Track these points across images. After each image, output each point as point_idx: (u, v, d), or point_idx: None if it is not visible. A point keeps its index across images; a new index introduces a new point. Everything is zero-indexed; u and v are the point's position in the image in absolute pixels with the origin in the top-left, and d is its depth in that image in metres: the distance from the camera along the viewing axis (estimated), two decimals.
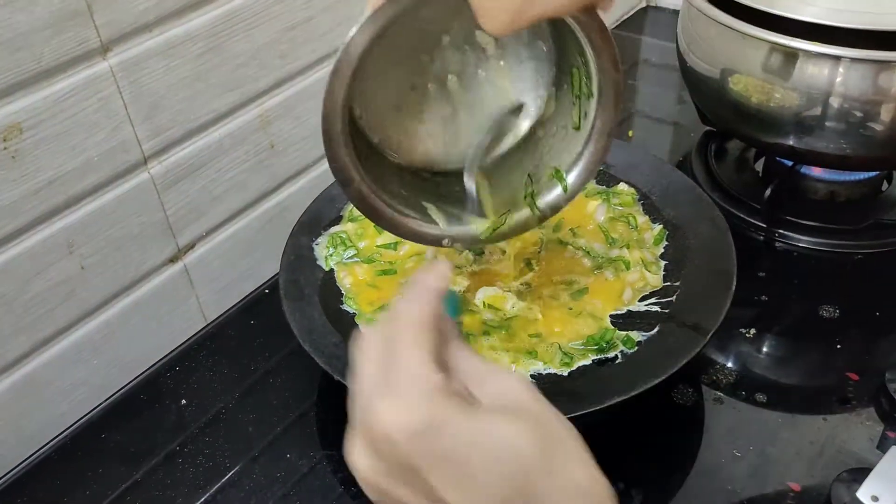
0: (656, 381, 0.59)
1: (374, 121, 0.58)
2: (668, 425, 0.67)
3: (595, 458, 0.58)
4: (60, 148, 0.63)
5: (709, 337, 0.62)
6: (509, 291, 0.70)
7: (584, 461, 0.37)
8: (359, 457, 0.37)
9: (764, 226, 0.84)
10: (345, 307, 0.70)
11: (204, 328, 0.79)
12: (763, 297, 0.77)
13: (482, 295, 0.68)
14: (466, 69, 0.59)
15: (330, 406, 0.70)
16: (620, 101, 0.56)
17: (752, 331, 0.74)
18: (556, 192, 0.62)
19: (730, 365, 0.71)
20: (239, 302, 0.81)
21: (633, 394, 0.58)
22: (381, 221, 0.58)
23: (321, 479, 0.64)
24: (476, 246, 0.68)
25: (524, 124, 0.64)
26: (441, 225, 0.61)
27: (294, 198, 0.84)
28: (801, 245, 0.83)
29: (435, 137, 0.61)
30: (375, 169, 0.58)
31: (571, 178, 0.61)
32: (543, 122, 0.63)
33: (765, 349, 0.73)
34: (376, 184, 0.57)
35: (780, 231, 0.84)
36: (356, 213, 0.80)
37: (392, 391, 0.36)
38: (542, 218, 0.62)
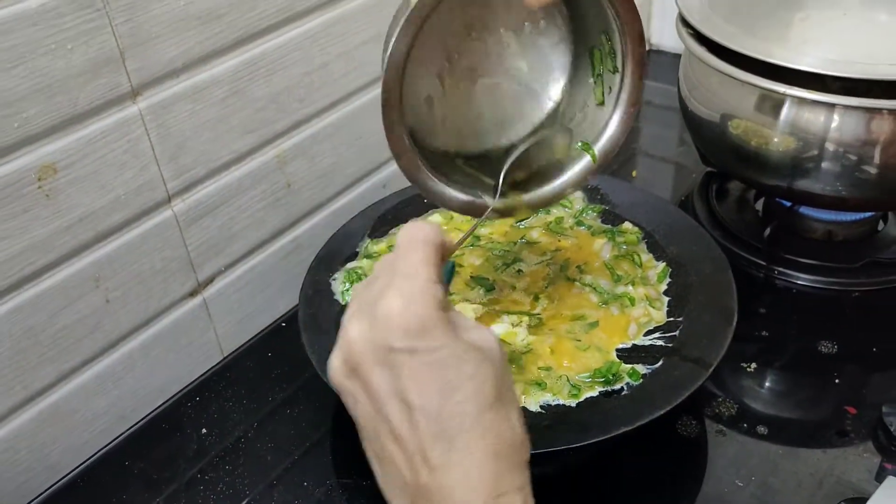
0: (660, 413, 0.61)
1: (407, 106, 0.61)
2: (673, 457, 0.68)
3: (601, 487, 0.61)
4: (91, 187, 0.65)
5: (711, 370, 0.63)
6: (520, 326, 0.71)
7: (518, 415, 0.40)
8: (354, 325, 0.39)
9: (764, 263, 0.85)
10: None
11: (221, 360, 0.81)
12: (763, 333, 0.78)
13: (496, 330, 0.69)
14: (490, 60, 0.64)
15: (344, 436, 0.70)
16: (645, 71, 0.61)
17: (753, 365, 0.75)
18: (585, 161, 0.66)
19: (732, 398, 0.72)
20: (256, 335, 0.83)
21: (637, 424, 0.60)
22: (428, 193, 0.62)
23: (332, 503, 0.65)
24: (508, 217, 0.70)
25: (547, 106, 0.67)
26: (485, 199, 0.64)
27: (309, 234, 0.85)
28: (800, 283, 0.84)
29: (460, 128, 0.66)
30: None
31: (600, 146, 0.65)
32: (561, 109, 0.67)
33: (766, 383, 0.75)
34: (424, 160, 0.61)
35: (780, 269, 0.85)
36: (371, 249, 0.82)
37: (399, 289, 0.38)
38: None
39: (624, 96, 0.63)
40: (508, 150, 0.66)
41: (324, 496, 0.66)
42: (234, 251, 0.79)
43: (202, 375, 0.79)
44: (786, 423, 0.71)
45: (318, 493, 0.66)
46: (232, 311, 0.81)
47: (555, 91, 0.67)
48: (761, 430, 0.69)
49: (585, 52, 0.64)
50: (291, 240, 0.85)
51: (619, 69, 0.62)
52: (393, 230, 0.83)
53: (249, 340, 0.82)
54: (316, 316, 0.72)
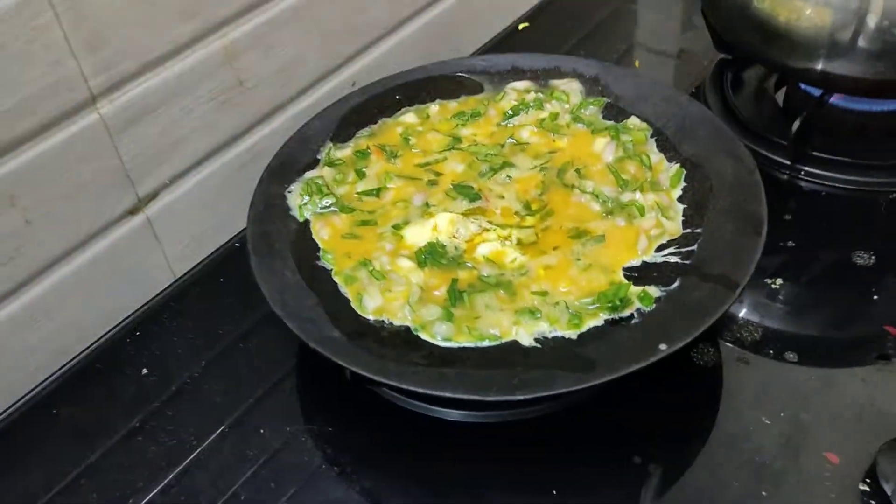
0: (679, 346, 0.52)
1: None
2: (687, 390, 0.61)
3: (605, 427, 0.58)
4: None
5: (738, 291, 0.55)
6: (509, 242, 0.63)
7: None
8: None
9: (788, 163, 0.77)
10: (321, 263, 0.63)
11: (170, 285, 0.74)
12: (790, 243, 0.71)
13: (482, 250, 0.62)
14: None
15: (308, 375, 0.64)
16: None
17: (779, 281, 0.68)
18: None
19: (755, 320, 0.65)
20: (210, 256, 0.76)
21: (651, 361, 0.51)
22: None
23: (298, 456, 0.59)
24: None
25: None
26: None
27: (268, 140, 0.77)
28: (829, 184, 0.76)
29: None
30: None
31: None
32: None
33: (793, 302, 0.67)
34: None
35: (807, 168, 0.77)
36: (334, 155, 0.72)
37: None
38: None
39: None
40: None
41: (283, 445, 0.59)
42: (180, 161, 0.72)
43: (148, 302, 0.72)
44: (818, 348, 0.64)
45: (277, 442, 0.60)
46: (182, 230, 0.75)
47: None
48: (790, 356, 0.62)
49: None
50: (248, 147, 0.78)
51: None
52: (360, 132, 0.75)
53: (202, 262, 0.76)
54: (268, 235, 0.64)
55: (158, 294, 0.73)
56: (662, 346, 0.52)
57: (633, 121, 0.73)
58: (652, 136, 0.72)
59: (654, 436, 0.58)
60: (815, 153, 0.77)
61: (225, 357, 0.66)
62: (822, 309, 0.68)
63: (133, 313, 0.71)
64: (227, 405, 0.62)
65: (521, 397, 0.50)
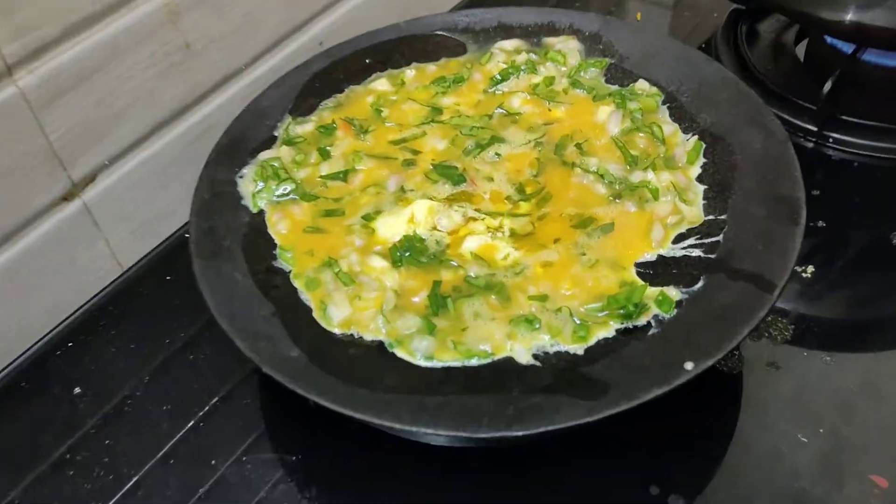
0: (709, 363, 0.45)
1: None
2: (709, 400, 0.56)
3: (614, 449, 0.53)
4: None
5: (777, 294, 0.48)
6: (500, 235, 0.56)
7: None
8: None
9: (815, 129, 0.73)
10: (278, 263, 0.57)
11: (115, 281, 0.70)
12: (820, 223, 0.66)
13: (469, 245, 0.56)
14: None
15: (269, 392, 0.59)
16: None
17: (810, 269, 0.63)
18: None
19: (784, 317, 0.60)
20: (156, 248, 0.72)
21: (676, 384, 0.45)
22: None
23: (255, 491, 0.53)
24: None
25: None
26: None
27: (222, 114, 0.73)
28: (862, 152, 0.72)
29: None
30: None
31: None
32: None
33: (828, 293, 0.62)
34: None
35: (835, 135, 0.72)
36: (294, 131, 0.67)
37: None
38: None
39: None
40: None
41: (239, 479, 0.54)
42: (119, 139, 0.68)
43: (85, 305, 0.67)
44: (860, 349, 0.59)
45: (233, 476, 0.54)
46: (127, 217, 0.71)
47: None
48: (826, 359, 0.57)
49: None
50: (200, 120, 0.74)
51: None
52: (324, 104, 0.70)
53: (147, 255, 0.72)
54: (214, 231, 0.57)
55: (98, 294, 0.68)
56: (688, 366, 0.46)
57: (642, 85, 0.69)
58: (664, 103, 0.68)
59: (671, 457, 0.53)
60: (844, 117, 0.72)
61: (171, 370, 0.61)
62: (860, 301, 0.63)
63: (66, 320, 0.66)
64: (172, 429, 0.57)
65: (519, 433, 0.44)
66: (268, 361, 0.47)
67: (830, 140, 0.72)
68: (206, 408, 0.58)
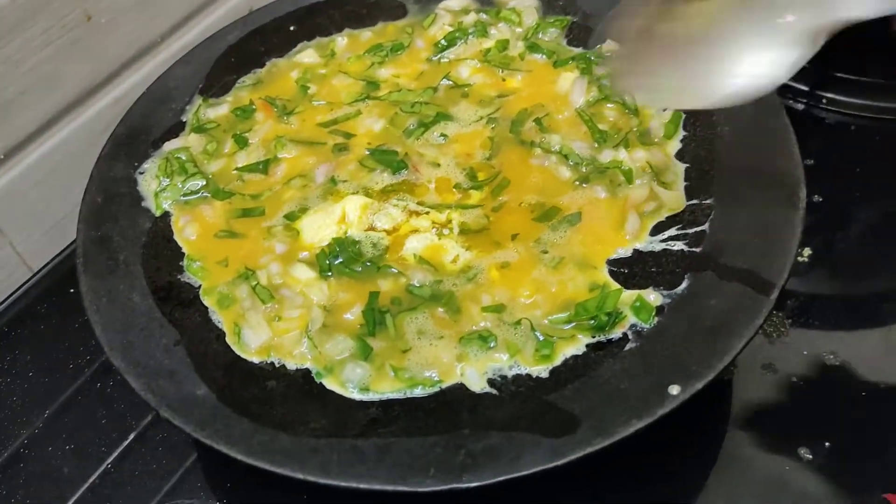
0: (699, 387, 0.39)
1: None
2: (696, 414, 0.48)
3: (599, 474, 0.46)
4: None
5: (775, 294, 0.43)
6: (447, 230, 0.50)
7: None
8: None
9: (806, 88, 0.69)
10: (185, 277, 0.50)
11: (23, 286, 0.66)
12: (815, 198, 0.60)
13: (412, 246, 0.49)
14: None
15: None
16: None
17: (807, 252, 0.59)
18: None
19: (780, 310, 0.55)
20: (64, 250, 0.67)
21: (660, 414, 0.39)
22: None
23: None
24: None
25: None
26: None
27: (137, 93, 0.67)
28: (859, 114, 0.68)
29: None
30: None
31: None
32: None
33: (828, 280, 0.58)
34: None
35: (829, 95, 0.69)
36: (205, 115, 0.61)
37: None
38: None
39: None
40: None
41: None
42: (19, 126, 0.64)
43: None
44: (867, 345, 0.55)
45: None
46: (34, 216, 0.67)
47: None
48: (829, 358, 0.53)
49: None
50: (111, 103, 0.69)
51: None
52: (241, 80, 0.64)
53: (59, 254, 0.66)
54: (108, 241, 0.51)
55: (19, 288, 0.64)
56: (674, 390, 0.40)
57: (610, 46, 0.64)
58: None
59: (662, 479, 0.48)
60: (838, 74, 0.69)
61: (75, 404, 0.55)
62: (866, 288, 0.60)
63: None
64: (75, 473, 0.51)
65: (471, 485, 0.37)
66: (166, 403, 0.40)
67: (824, 101, 0.70)
68: (115, 445, 0.53)
